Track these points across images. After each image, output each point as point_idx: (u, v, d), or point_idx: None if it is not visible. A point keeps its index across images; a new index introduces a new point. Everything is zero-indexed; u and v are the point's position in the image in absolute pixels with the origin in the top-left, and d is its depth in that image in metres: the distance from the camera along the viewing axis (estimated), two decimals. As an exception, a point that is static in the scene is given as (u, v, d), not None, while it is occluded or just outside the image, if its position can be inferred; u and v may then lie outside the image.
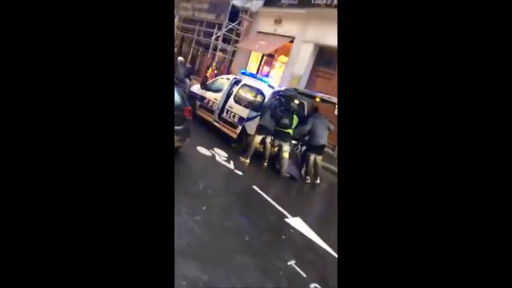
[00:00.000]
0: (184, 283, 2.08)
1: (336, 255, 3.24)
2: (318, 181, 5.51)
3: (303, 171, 5.65)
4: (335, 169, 6.55)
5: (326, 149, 5.96)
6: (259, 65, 11.60)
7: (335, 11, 8.32)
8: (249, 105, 5.82)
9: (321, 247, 3.34)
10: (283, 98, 5.59)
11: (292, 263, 2.84)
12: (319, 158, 5.45)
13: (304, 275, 2.71)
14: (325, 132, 5.37)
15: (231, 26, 11.34)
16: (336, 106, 5.59)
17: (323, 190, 5.66)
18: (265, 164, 5.50)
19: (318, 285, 2.64)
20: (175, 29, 14.71)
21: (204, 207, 3.30)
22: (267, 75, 7.19)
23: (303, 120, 5.64)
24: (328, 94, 5.72)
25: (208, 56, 12.04)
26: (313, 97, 5.47)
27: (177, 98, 4.29)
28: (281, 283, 2.53)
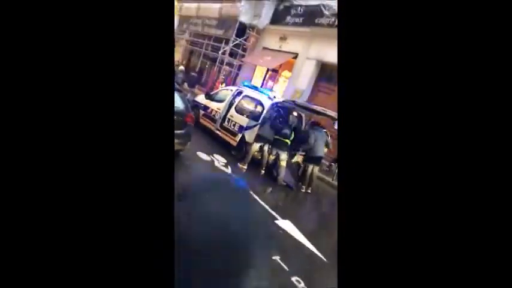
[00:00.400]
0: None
1: (321, 256, 3.42)
2: (310, 190, 5.72)
3: (299, 183, 5.87)
4: (330, 180, 6.75)
5: (323, 161, 6.21)
6: (264, 79, 12.01)
7: (336, 30, 8.75)
8: (250, 115, 6.12)
9: (307, 247, 3.53)
10: (282, 110, 5.89)
11: (277, 258, 3.04)
12: (316, 169, 5.69)
13: (287, 269, 2.91)
14: (323, 145, 5.64)
15: (238, 42, 11.83)
16: (333, 120, 5.89)
17: (315, 198, 5.85)
18: (263, 171, 5.74)
19: (298, 278, 2.83)
20: (185, 42, 15.33)
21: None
22: (270, 89, 7.53)
23: (300, 132, 5.92)
24: (326, 107, 6.02)
25: (215, 69, 12.50)
26: (310, 109, 5.76)
27: (180, 104, 4.61)
28: (264, 274, 2.72)
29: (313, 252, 3.49)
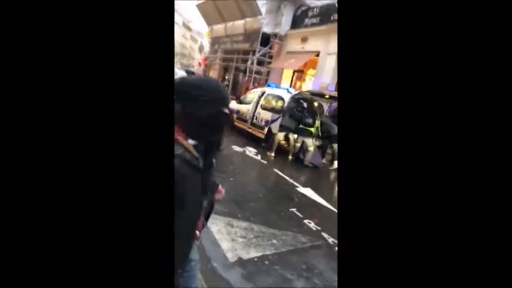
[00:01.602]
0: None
1: (331, 207, 4.08)
2: (334, 167, 6.43)
3: (324, 160, 6.54)
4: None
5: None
6: (291, 80, 12.80)
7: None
8: (273, 109, 6.98)
9: (320, 203, 4.21)
10: (302, 101, 6.66)
11: (294, 209, 3.79)
12: (335, 146, 6.42)
13: (301, 216, 3.65)
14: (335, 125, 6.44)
15: (263, 51, 12.86)
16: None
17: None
18: (290, 157, 6.50)
19: (310, 221, 3.55)
20: (218, 60, 16.85)
21: (232, 179, 4.45)
22: (287, 89, 8.39)
23: (322, 120, 6.66)
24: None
25: (245, 78, 13.65)
26: (322, 95, 6.45)
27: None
28: (282, 219, 3.50)
29: (325, 206, 4.16)
